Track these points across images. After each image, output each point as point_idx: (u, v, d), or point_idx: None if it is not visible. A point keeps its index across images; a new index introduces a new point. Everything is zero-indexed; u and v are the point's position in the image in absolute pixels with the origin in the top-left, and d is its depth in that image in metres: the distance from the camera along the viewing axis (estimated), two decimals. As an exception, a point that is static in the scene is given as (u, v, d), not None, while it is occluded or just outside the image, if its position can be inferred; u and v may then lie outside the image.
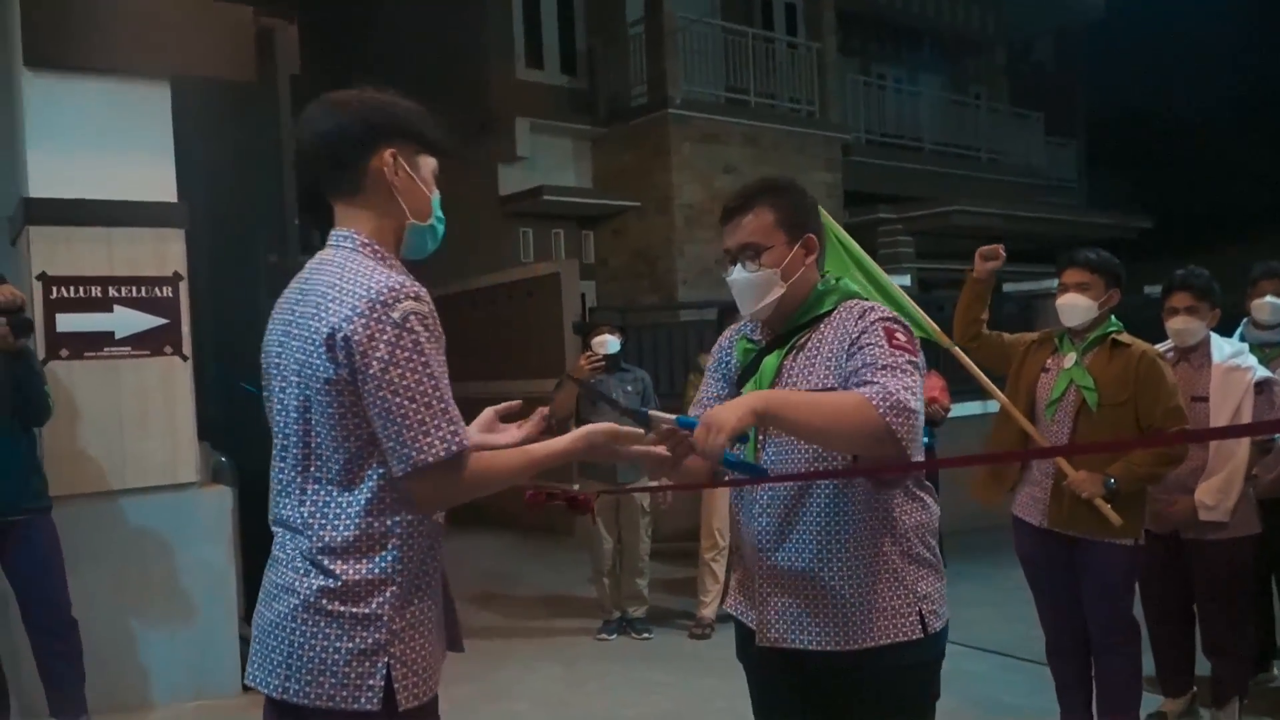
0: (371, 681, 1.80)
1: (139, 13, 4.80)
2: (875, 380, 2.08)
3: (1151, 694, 4.24)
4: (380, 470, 1.82)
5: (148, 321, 4.77)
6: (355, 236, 1.92)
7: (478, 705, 4.92)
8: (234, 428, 5.69)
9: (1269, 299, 4.61)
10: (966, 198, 14.71)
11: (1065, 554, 3.78)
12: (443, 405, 1.80)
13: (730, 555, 6.19)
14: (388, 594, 1.84)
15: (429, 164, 2.03)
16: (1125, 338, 3.80)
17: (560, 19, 12.98)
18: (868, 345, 2.15)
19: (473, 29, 12.34)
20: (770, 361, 2.32)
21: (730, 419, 1.96)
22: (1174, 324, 4.22)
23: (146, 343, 4.77)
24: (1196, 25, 19.16)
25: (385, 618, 1.83)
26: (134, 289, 4.75)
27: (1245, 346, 4.33)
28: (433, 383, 1.79)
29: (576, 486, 2.10)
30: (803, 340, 2.29)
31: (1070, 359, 3.81)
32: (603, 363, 5.90)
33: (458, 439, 1.80)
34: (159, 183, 4.83)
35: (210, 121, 5.75)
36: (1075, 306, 3.82)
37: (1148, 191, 18.77)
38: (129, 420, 4.70)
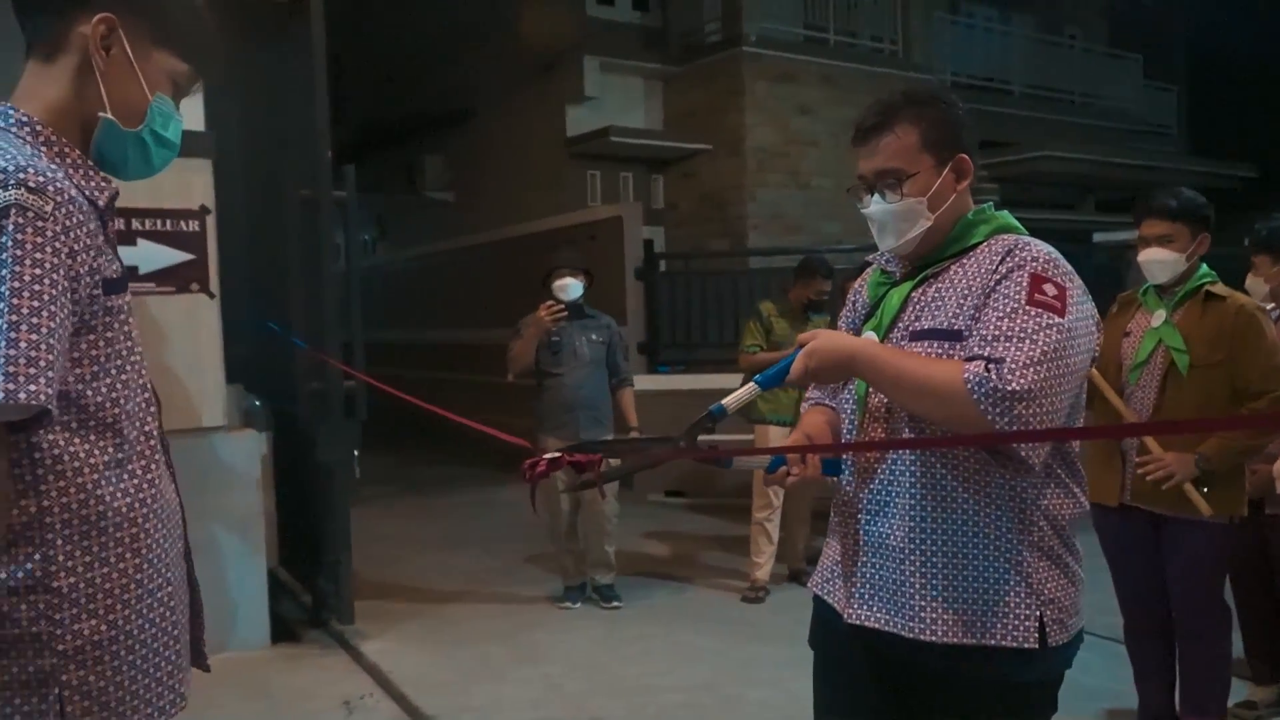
0: None
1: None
2: (985, 353, 1.74)
3: (1240, 680, 3.85)
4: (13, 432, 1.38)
5: (173, 256, 4.55)
6: (12, 113, 1.52)
7: (510, 667, 4.70)
8: (269, 369, 5.51)
9: None
10: (1056, 143, 14.00)
11: (1149, 531, 3.41)
12: (15, 336, 1.32)
13: (792, 518, 5.92)
14: (40, 605, 1.44)
15: (169, 64, 1.61)
16: (1221, 289, 3.36)
17: (632, -49, 12.55)
18: (1001, 299, 1.79)
19: (541, -38, 11.97)
20: (895, 295, 1.97)
21: (830, 356, 1.86)
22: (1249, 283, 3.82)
23: (171, 279, 4.56)
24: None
25: (44, 636, 1.44)
26: (158, 222, 4.54)
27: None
28: (13, 302, 1.35)
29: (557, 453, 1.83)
30: (938, 271, 1.93)
31: (1159, 317, 3.38)
32: (564, 310, 5.40)
33: (18, 389, 1.32)
34: (185, 109, 4.56)
35: (241, 45, 5.50)
36: (1160, 262, 3.37)
37: (1252, 138, 17.71)
38: (152, 361, 4.48)
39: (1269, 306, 3.75)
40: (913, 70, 12.94)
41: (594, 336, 5.54)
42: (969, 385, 1.72)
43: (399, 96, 14.87)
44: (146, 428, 1.60)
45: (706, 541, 7.11)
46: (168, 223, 4.55)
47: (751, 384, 1.89)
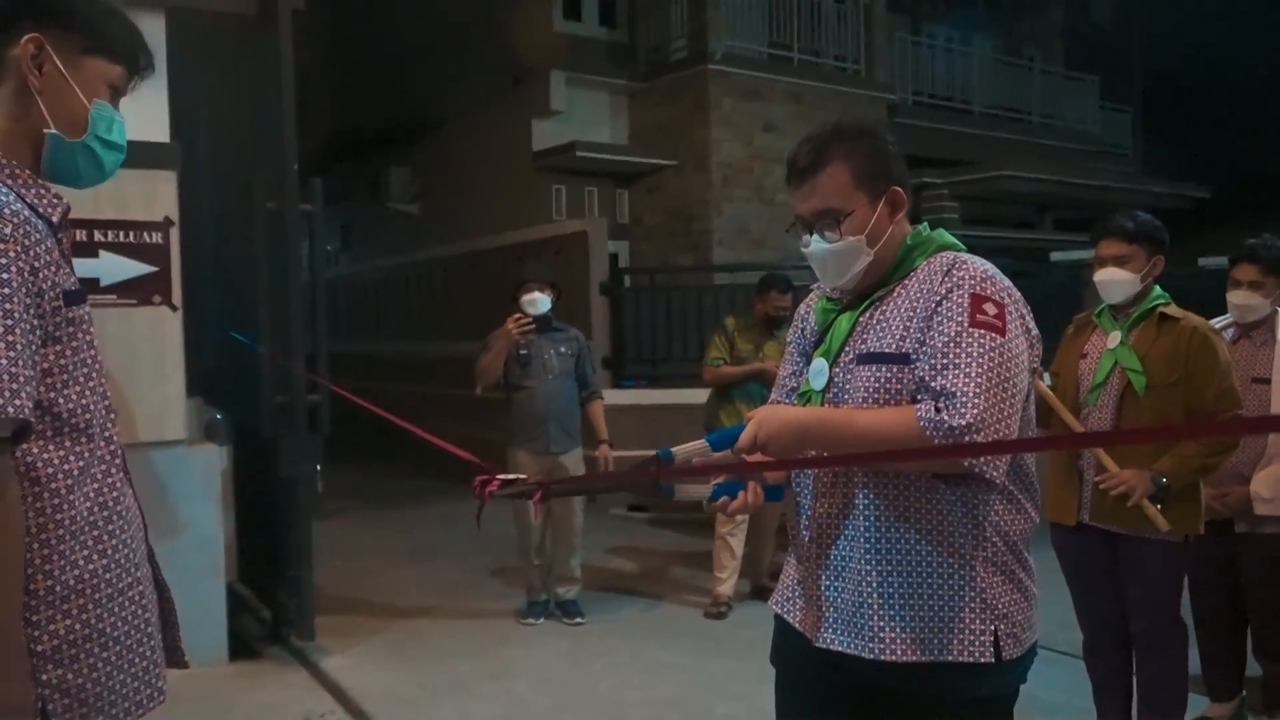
0: None
1: (132, -61, 4.51)
2: (934, 384, 1.77)
3: (1197, 696, 3.91)
4: None
5: (135, 268, 4.50)
6: None
7: (475, 683, 4.68)
8: (231, 382, 5.46)
9: None
10: (1016, 162, 14.19)
11: (1106, 549, 3.46)
12: None
13: (758, 534, 5.94)
14: (16, 605, 1.48)
15: (101, 69, 1.66)
16: (1174, 310, 3.42)
17: (600, -32, 12.59)
18: (944, 321, 1.82)
19: (509, -24, 11.99)
20: (844, 321, 1.99)
21: (779, 430, 1.86)
22: (1234, 298, 3.86)
23: (134, 291, 4.51)
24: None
25: (23, 638, 1.49)
26: (121, 233, 4.49)
27: (1318, 326, 3.94)
28: None
29: (524, 475, 1.84)
30: (883, 294, 1.97)
31: (1115, 338, 3.44)
32: (532, 324, 5.44)
33: (5, 403, 1.40)
34: (150, 121, 4.54)
35: (207, 57, 5.47)
36: (1115, 281, 3.43)
37: (1206, 159, 18.09)
38: (113, 373, 4.44)
39: (1220, 326, 3.82)
40: (876, 89, 13.09)
41: (563, 349, 5.55)
42: (925, 429, 1.75)
43: (365, 108, 14.80)
44: (107, 433, 1.65)
45: (670, 556, 7.12)
46: (131, 234, 4.50)
47: (703, 441, 1.92)
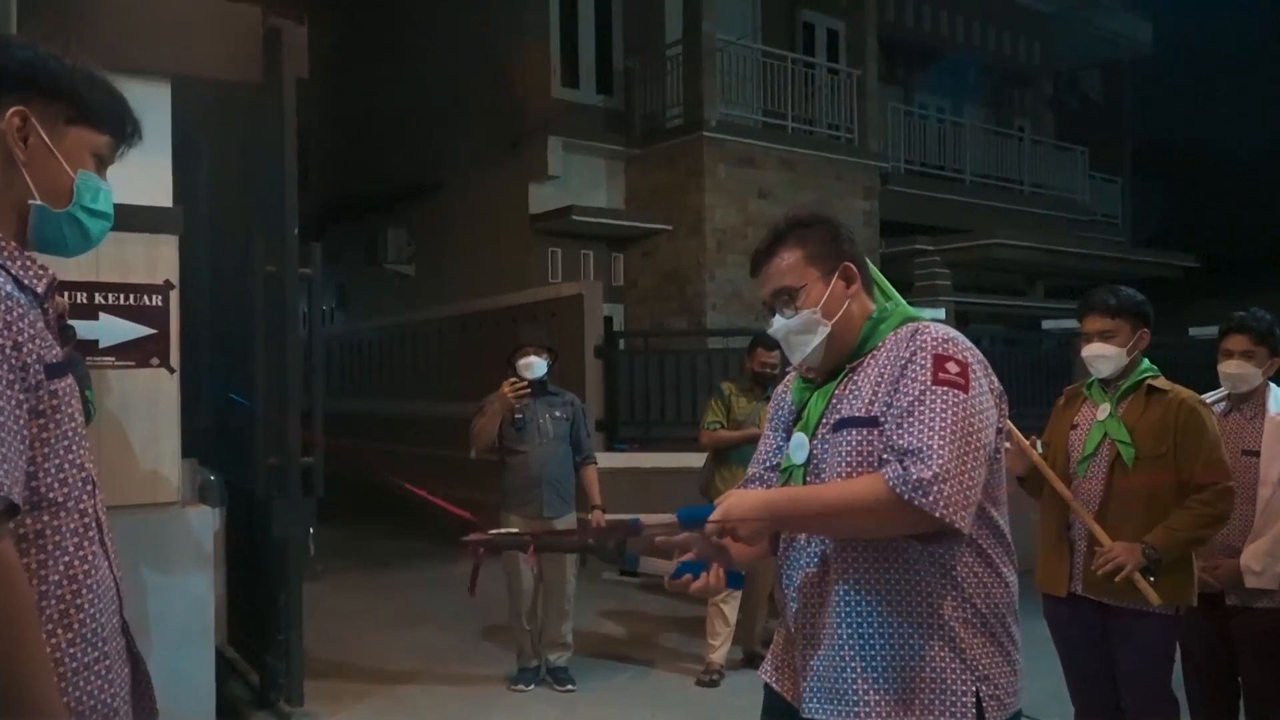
0: None
1: (141, 8, 4.60)
2: (900, 441, 1.83)
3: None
4: None
5: (135, 331, 4.54)
6: None
7: (463, 750, 4.64)
8: (226, 443, 5.47)
9: None
10: (1007, 230, 14.36)
11: (1097, 620, 3.46)
12: None
13: (751, 601, 5.90)
14: (46, 670, 1.47)
15: (85, 139, 1.66)
16: (1162, 383, 3.49)
17: (598, 38, 12.82)
18: (909, 381, 1.90)
19: (508, 44, 12.20)
20: (817, 399, 2.07)
21: (746, 513, 1.89)
22: (1227, 368, 3.88)
23: (132, 353, 4.53)
24: (1246, 62, 18.73)
25: None
26: (122, 296, 4.53)
27: (1308, 400, 3.97)
28: None
29: (514, 530, 1.89)
30: (855, 366, 2.05)
31: (1104, 410, 3.49)
32: (528, 388, 5.48)
33: None
34: (154, 186, 4.61)
35: (211, 124, 5.56)
36: (1102, 356, 3.50)
37: (1194, 230, 18.33)
38: (109, 434, 4.46)
39: (1211, 399, 3.85)
40: (868, 157, 13.27)
41: (558, 413, 5.57)
42: (893, 487, 1.80)
43: (363, 169, 14.97)
44: (82, 505, 1.62)
45: (662, 622, 7.08)
46: (131, 297, 4.54)
47: (672, 516, 1.98)
